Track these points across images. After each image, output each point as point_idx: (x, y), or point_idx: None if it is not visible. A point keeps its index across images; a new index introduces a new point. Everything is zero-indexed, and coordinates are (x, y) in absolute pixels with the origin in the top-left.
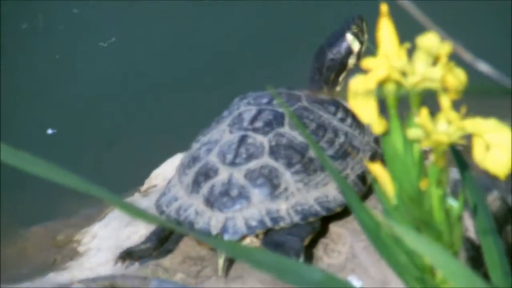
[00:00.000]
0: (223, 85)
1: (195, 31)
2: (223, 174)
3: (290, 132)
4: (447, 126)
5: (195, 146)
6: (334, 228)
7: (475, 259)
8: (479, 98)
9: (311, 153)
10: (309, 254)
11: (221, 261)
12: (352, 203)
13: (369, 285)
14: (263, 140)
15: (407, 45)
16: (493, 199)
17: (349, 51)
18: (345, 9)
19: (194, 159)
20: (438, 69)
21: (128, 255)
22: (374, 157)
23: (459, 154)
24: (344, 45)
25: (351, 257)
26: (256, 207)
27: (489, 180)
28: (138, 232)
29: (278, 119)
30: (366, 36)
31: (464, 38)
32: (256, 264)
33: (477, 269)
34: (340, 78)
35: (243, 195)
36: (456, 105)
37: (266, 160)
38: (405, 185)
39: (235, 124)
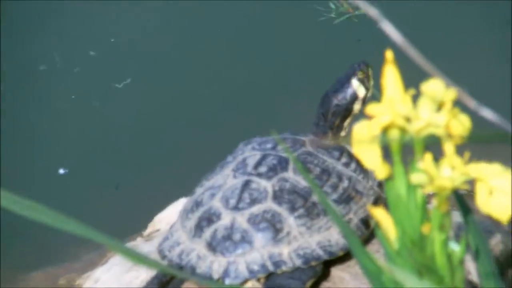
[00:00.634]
0: (228, 130)
1: (206, 77)
2: (226, 218)
3: (294, 177)
4: (450, 172)
5: (198, 191)
6: (336, 272)
7: None
8: (483, 143)
9: (315, 197)
10: None
11: None
12: (354, 247)
13: None
14: (266, 184)
15: (412, 91)
16: (496, 243)
17: (355, 97)
18: (352, 54)
19: (198, 204)
20: (443, 115)
21: None
22: (377, 202)
23: (462, 199)
24: (349, 91)
25: None
26: (259, 251)
27: (491, 224)
28: (139, 277)
29: (282, 164)
30: (371, 82)
31: (466, 75)
32: None
33: None
34: (345, 124)
35: (245, 239)
36: (460, 150)
37: (269, 204)
38: (407, 230)
39: (239, 169)
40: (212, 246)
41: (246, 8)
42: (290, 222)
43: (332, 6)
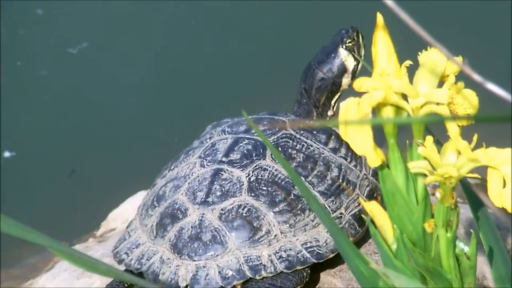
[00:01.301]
0: (196, 111)
1: (171, 47)
2: (193, 215)
3: (273, 165)
4: (456, 158)
5: (160, 182)
6: (326, 277)
7: None
8: (493, 124)
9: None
10: None
11: None
12: (344, 249)
13: None
14: (240, 174)
15: (408, 62)
16: None
17: (343, 69)
18: (339, 21)
19: (159, 198)
20: (445, 90)
21: None
22: (373, 194)
23: (471, 190)
24: (336, 62)
25: None
26: (233, 254)
27: (507, 219)
28: (93, 284)
29: (258, 150)
30: (363, 52)
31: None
32: None
33: None
34: (332, 101)
35: (217, 240)
36: (466, 133)
37: (244, 198)
38: (407, 227)
39: (207, 156)
40: (177, 248)
41: None
42: (270, 218)
43: None
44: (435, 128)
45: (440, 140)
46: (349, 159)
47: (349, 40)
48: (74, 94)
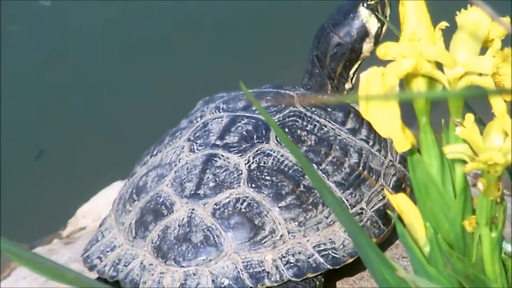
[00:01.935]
0: (187, 86)
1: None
2: (181, 211)
3: (278, 150)
4: (502, 140)
5: (140, 171)
6: (344, 286)
7: None
8: None
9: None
10: None
11: None
12: (365, 252)
13: None
14: (238, 161)
15: (444, 24)
16: None
17: (364, 33)
18: None
19: (139, 190)
20: (489, 57)
21: None
22: (401, 185)
23: None
24: (356, 24)
25: None
26: (230, 259)
27: None
28: None
29: (260, 131)
30: (388, 11)
31: None
32: None
33: None
34: (351, 72)
35: (210, 241)
36: None
37: (243, 190)
38: (442, 226)
39: (198, 138)
40: (161, 252)
41: None
42: (275, 215)
43: None
44: (477, 104)
45: (483, 119)
46: (371, 142)
47: None
48: (47, 55)
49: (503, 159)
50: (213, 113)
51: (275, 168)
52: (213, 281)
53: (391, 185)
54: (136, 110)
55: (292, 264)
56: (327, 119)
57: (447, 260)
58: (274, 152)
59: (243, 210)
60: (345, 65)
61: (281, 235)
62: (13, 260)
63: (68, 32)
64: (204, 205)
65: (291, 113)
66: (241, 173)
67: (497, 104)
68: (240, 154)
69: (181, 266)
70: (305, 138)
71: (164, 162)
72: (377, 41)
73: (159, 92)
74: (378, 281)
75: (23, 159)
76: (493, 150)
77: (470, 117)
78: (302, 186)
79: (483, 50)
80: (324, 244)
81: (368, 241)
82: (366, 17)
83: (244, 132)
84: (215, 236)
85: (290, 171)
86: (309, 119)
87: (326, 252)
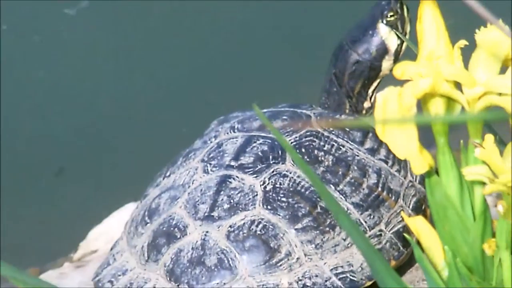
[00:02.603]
0: (201, 105)
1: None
2: (195, 233)
3: (294, 171)
4: None
5: (152, 193)
6: None
7: None
8: None
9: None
10: None
11: None
12: (381, 276)
13: None
14: (254, 182)
15: (463, 42)
16: None
17: (383, 50)
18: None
19: (152, 212)
20: (509, 77)
21: None
22: (421, 206)
23: None
24: (375, 41)
25: None
26: (245, 282)
27: None
28: None
29: (276, 152)
30: (408, 28)
31: None
32: None
33: None
34: (370, 90)
35: (224, 265)
36: None
37: (258, 212)
38: (461, 249)
39: (212, 159)
40: (174, 275)
41: None
42: (291, 237)
43: None
44: (497, 124)
45: (503, 139)
46: (390, 162)
47: (391, 14)
48: (70, 69)
49: None
50: (227, 133)
51: (291, 189)
52: None
53: (411, 206)
54: (149, 131)
55: (309, 287)
56: (345, 139)
57: (466, 284)
58: (290, 173)
59: (259, 232)
60: (364, 83)
61: (298, 258)
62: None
63: (92, 44)
64: (219, 228)
65: (308, 133)
66: (256, 195)
67: None
68: (255, 175)
69: None
70: (323, 158)
71: (177, 184)
72: (397, 58)
73: (173, 112)
74: None
75: (34, 180)
76: None
77: (489, 138)
78: (319, 207)
79: (504, 69)
80: (342, 267)
81: (384, 265)
82: (385, 34)
83: (259, 153)
84: (229, 259)
85: (307, 192)
86: (326, 139)
87: (344, 275)
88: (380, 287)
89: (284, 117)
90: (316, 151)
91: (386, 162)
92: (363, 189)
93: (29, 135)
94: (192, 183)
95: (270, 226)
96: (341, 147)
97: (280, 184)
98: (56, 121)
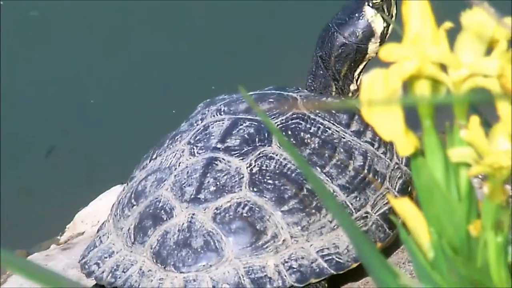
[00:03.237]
0: (187, 88)
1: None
2: (181, 215)
3: (281, 153)
4: (508, 143)
5: (139, 175)
6: None
7: None
8: None
9: None
10: None
11: None
12: (366, 258)
13: None
14: (240, 165)
15: (448, 24)
16: None
17: (369, 33)
18: None
19: (138, 195)
20: (494, 59)
21: None
22: (407, 188)
23: None
24: (361, 24)
25: None
26: (231, 264)
27: None
28: None
29: (262, 134)
30: (394, 11)
31: None
32: None
33: None
34: (356, 73)
35: (210, 247)
36: None
37: (245, 194)
38: (447, 230)
39: (198, 141)
40: (161, 257)
41: None
42: (277, 219)
43: None
44: (482, 106)
45: (489, 121)
46: (376, 145)
47: None
48: (60, 52)
49: (509, 162)
50: (214, 116)
51: (277, 171)
52: (213, 287)
53: (397, 188)
54: (135, 113)
55: (295, 269)
56: (331, 121)
57: (452, 265)
58: (276, 155)
59: (245, 214)
60: (350, 66)
61: (284, 240)
62: (5, 266)
63: (75, 30)
64: (205, 210)
65: (294, 116)
66: (243, 177)
67: (503, 106)
68: (241, 158)
69: (181, 272)
70: (309, 140)
71: (164, 166)
72: (383, 41)
73: (159, 94)
74: (380, 287)
75: (23, 162)
76: (498, 153)
77: (475, 119)
78: (305, 189)
79: (489, 52)
80: (328, 248)
81: (370, 246)
82: (371, 17)
83: (245, 135)
84: (215, 241)
85: (293, 175)
86: (312, 121)
87: (330, 257)
88: (366, 268)
89: (271, 100)
90: (302, 134)
91: (372, 145)
92: (349, 171)
93: (19, 114)
94: (179, 165)
95: (256, 208)
96: (327, 129)
97: (266, 166)
98: (48, 100)
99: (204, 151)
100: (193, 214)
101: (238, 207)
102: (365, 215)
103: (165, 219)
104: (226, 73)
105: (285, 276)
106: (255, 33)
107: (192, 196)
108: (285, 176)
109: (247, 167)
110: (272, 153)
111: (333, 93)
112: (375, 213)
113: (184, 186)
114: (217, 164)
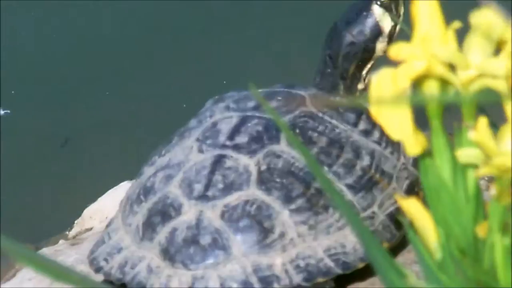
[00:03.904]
0: (197, 85)
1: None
2: (189, 213)
3: (289, 151)
4: None
5: (147, 171)
6: None
7: None
8: None
9: None
10: None
11: None
12: (374, 258)
13: None
14: (248, 162)
15: (457, 24)
16: None
17: (377, 32)
18: None
19: (147, 191)
20: (503, 59)
21: None
22: (414, 188)
23: None
24: (369, 23)
25: None
26: (238, 262)
27: None
28: None
29: (271, 132)
30: (402, 10)
31: None
32: None
33: None
34: (364, 72)
35: (218, 244)
36: None
37: (253, 192)
38: (454, 231)
39: (207, 138)
40: (169, 254)
41: None
42: (285, 218)
43: None
44: (490, 107)
45: (496, 122)
46: (383, 145)
47: None
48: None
49: None
50: (223, 113)
51: (285, 170)
52: (221, 284)
53: (404, 188)
54: (144, 110)
55: (302, 268)
56: (339, 120)
57: (459, 266)
58: (284, 153)
59: (253, 212)
60: (358, 65)
61: (291, 239)
62: (15, 259)
63: (92, 24)
64: (213, 207)
65: (303, 114)
66: (251, 175)
67: (510, 107)
68: (249, 155)
69: (189, 269)
70: (316, 139)
71: (173, 163)
72: (391, 40)
73: (168, 91)
74: (388, 287)
75: (27, 159)
76: (506, 154)
77: (483, 120)
78: (313, 188)
79: (498, 53)
80: (335, 248)
81: (378, 246)
82: (379, 16)
83: (254, 133)
84: (223, 239)
85: (301, 173)
86: (320, 120)
87: (337, 257)
88: (374, 268)
89: (279, 98)
90: (310, 132)
91: (380, 144)
92: (357, 170)
93: (34, 106)
94: (187, 162)
95: (264, 207)
96: (335, 128)
97: (275, 164)
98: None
99: (212, 148)
100: (201, 212)
101: (246, 205)
102: (372, 215)
103: (173, 216)
104: (237, 68)
105: (292, 274)
106: (265, 31)
107: (201, 193)
108: (293, 175)
109: (255, 165)
110: (281, 151)
111: (341, 91)
112: (382, 213)
113: (193, 183)
114: (225, 162)
